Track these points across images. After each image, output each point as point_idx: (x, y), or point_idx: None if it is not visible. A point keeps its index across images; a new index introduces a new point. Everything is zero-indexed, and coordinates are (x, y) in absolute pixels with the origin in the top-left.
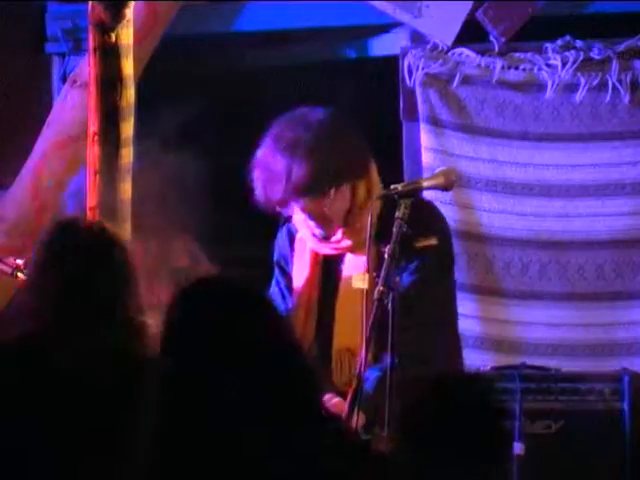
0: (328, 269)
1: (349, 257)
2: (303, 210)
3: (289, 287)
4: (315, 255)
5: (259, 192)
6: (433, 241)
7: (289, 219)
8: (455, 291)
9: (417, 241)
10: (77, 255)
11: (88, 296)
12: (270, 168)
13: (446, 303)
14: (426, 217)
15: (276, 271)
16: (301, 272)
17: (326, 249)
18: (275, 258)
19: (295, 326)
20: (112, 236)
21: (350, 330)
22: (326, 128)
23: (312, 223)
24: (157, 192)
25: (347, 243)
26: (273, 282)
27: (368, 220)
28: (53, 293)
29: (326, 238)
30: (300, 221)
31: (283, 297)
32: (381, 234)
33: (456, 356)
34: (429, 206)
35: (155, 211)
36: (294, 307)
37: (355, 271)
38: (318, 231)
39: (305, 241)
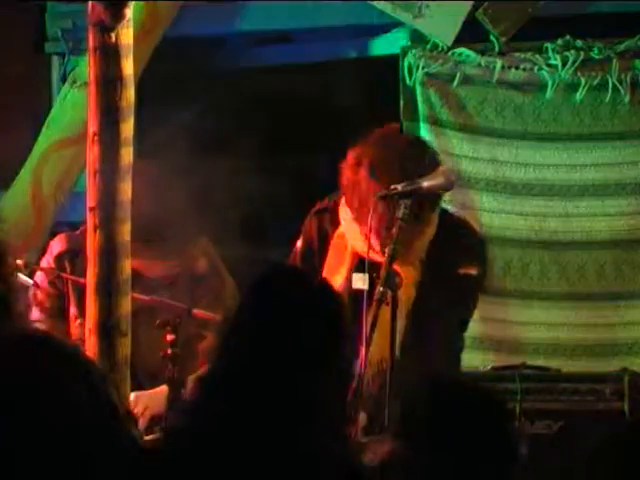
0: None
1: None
2: (374, 234)
3: None
4: (355, 255)
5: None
6: (473, 271)
7: (320, 212)
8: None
9: (458, 266)
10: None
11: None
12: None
13: (462, 329)
14: (472, 244)
15: (296, 257)
16: (337, 268)
17: (375, 256)
18: (299, 245)
19: None
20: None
21: (384, 338)
22: (420, 147)
23: (375, 238)
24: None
25: (402, 253)
26: None
27: (368, 220)
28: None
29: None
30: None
31: None
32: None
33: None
34: (477, 233)
35: (175, 214)
36: None
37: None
38: (378, 247)
39: (345, 239)
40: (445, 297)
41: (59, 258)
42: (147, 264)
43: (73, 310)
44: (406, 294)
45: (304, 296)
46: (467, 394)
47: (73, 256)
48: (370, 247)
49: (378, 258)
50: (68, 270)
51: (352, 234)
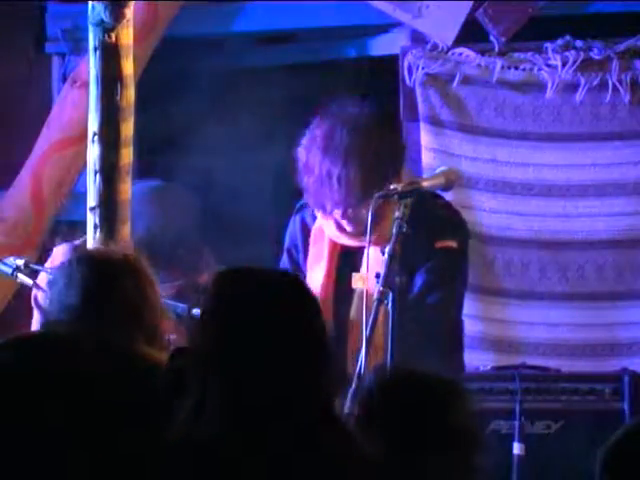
0: (346, 261)
1: (371, 249)
2: (344, 215)
3: None
4: (333, 246)
5: (309, 197)
6: (453, 244)
7: (302, 208)
8: (463, 296)
9: (437, 241)
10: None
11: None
12: (320, 175)
13: (451, 306)
14: (451, 220)
15: (284, 258)
16: (317, 262)
17: (348, 240)
18: (286, 246)
19: None
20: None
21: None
22: (374, 127)
23: (346, 222)
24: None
25: (374, 235)
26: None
27: (368, 218)
28: None
29: (356, 234)
30: (327, 217)
31: None
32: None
33: (455, 357)
34: (455, 211)
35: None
36: None
37: (376, 264)
38: (350, 228)
39: (323, 231)
40: (426, 276)
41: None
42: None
43: None
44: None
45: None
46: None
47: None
48: (343, 230)
49: (352, 242)
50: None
51: (325, 223)
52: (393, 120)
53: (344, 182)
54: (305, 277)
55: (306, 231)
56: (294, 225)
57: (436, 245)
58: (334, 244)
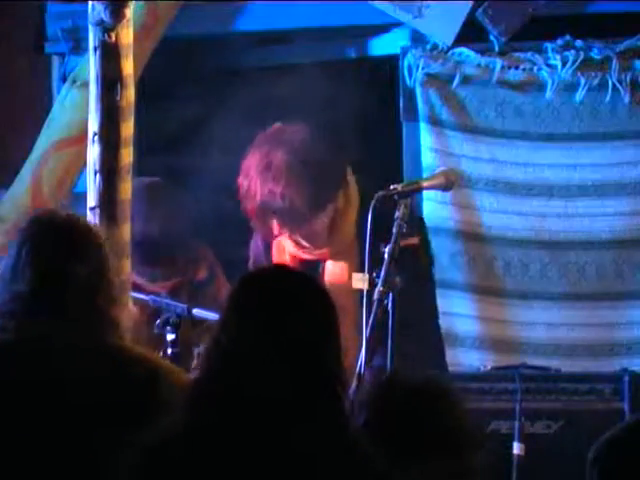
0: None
1: (328, 263)
2: (291, 236)
3: None
4: (293, 259)
5: (254, 224)
6: (414, 240)
7: None
8: (435, 289)
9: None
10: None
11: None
12: (262, 200)
13: (426, 300)
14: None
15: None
16: None
17: (306, 255)
18: (250, 262)
19: None
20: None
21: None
22: (311, 149)
23: (299, 240)
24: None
25: (327, 250)
26: None
27: (369, 219)
28: None
29: (313, 249)
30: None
31: None
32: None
33: (438, 352)
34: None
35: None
36: None
37: (333, 277)
38: (306, 244)
39: (284, 245)
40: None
41: None
42: (151, 282)
43: None
44: (351, 272)
45: (290, 291)
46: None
47: None
48: (300, 247)
49: (311, 257)
50: None
51: (283, 239)
52: (322, 133)
53: (287, 205)
54: None
55: (267, 246)
56: (255, 244)
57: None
58: (294, 257)
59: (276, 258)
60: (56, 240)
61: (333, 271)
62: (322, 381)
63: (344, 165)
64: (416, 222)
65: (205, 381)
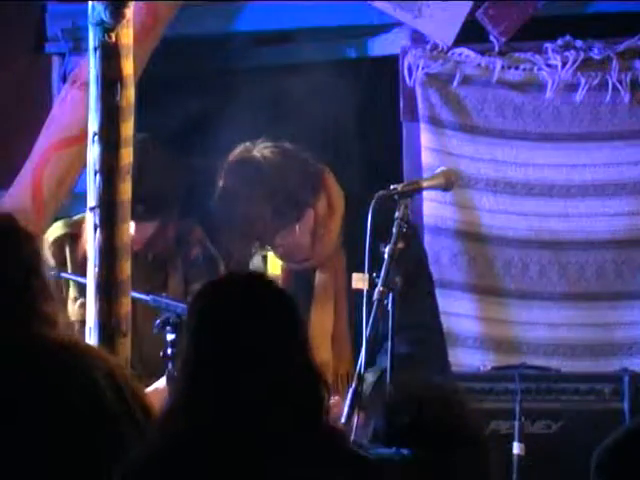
0: (301, 281)
1: (318, 270)
2: (273, 248)
3: None
4: (284, 270)
5: (229, 246)
6: (400, 245)
7: None
8: (433, 291)
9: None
10: None
11: None
12: (230, 222)
13: (421, 303)
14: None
15: None
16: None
17: (293, 266)
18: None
19: None
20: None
21: (325, 343)
22: (278, 166)
23: (279, 254)
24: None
25: (312, 261)
26: None
27: (369, 219)
28: None
29: (298, 261)
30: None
31: None
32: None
33: (440, 354)
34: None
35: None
36: None
37: (322, 289)
38: (287, 259)
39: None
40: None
41: (57, 242)
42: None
43: (73, 292)
44: (340, 280)
45: (248, 297)
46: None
47: (72, 240)
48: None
49: (298, 267)
50: (67, 253)
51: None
52: (292, 145)
53: (253, 225)
54: None
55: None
56: None
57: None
58: (284, 268)
59: (270, 269)
60: None
61: (323, 280)
62: (282, 386)
63: (318, 171)
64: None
65: (177, 393)
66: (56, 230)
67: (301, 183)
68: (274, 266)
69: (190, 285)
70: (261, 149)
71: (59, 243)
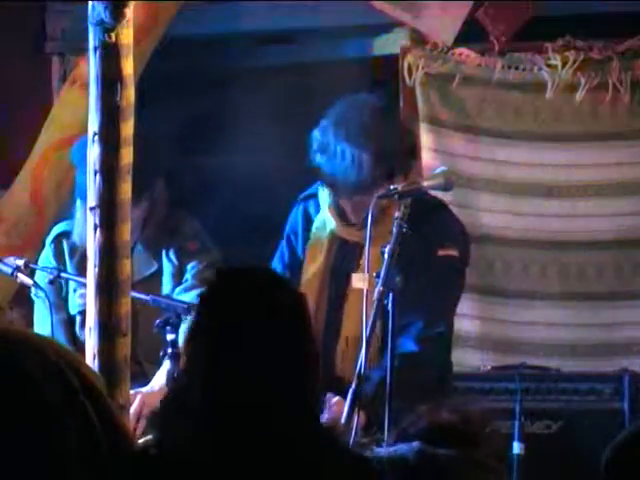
0: (344, 255)
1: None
2: (350, 199)
3: (291, 262)
4: (333, 239)
5: (324, 177)
6: (454, 252)
7: (306, 198)
8: (459, 301)
9: (439, 249)
10: None
11: None
12: (334, 154)
13: (451, 312)
14: (450, 226)
15: (283, 244)
16: (315, 253)
17: (348, 235)
18: (286, 232)
19: None
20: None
21: (359, 319)
22: (390, 116)
23: (350, 210)
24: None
25: (375, 229)
26: (277, 253)
27: (369, 219)
28: None
29: (358, 228)
30: (332, 204)
31: (283, 268)
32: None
33: (448, 357)
34: (453, 215)
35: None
36: (304, 289)
37: (369, 262)
38: (354, 219)
39: (325, 223)
40: (425, 281)
41: (57, 239)
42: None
43: (72, 284)
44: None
45: (259, 296)
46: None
47: (70, 236)
48: (345, 223)
49: (352, 237)
50: (66, 249)
51: (328, 216)
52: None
53: (356, 164)
54: (300, 264)
55: (307, 221)
56: (296, 213)
57: (438, 253)
58: (333, 237)
59: (313, 235)
60: None
61: (375, 257)
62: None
63: (415, 151)
64: (460, 234)
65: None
66: (55, 229)
67: (410, 145)
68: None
69: (185, 277)
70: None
71: (58, 240)
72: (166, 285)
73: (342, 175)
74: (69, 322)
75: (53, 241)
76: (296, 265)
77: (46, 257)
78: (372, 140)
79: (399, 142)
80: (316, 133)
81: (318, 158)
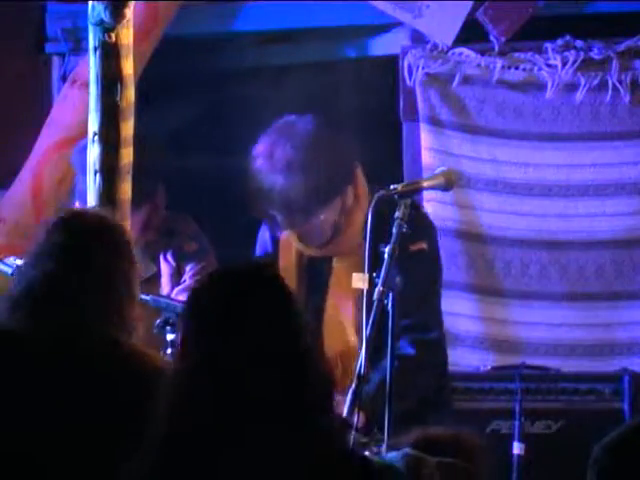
0: (315, 271)
1: (336, 258)
2: (293, 230)
3: None
4: (300, 255)
5: (254, 207)
6: (423, 245)
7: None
8: (441, 294)
9: (410, 245)
10: None
11: None
12: (264, 187)
13: (434, 305)
14: (419, 221)
15: None
16: (286, 272)
17: (312, 252)
18: (257, 254)
19: None
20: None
21: (340, 331)
22: (317, 142)
23: (301, 237)
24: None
25: (334, 247)
26: None
27: (368, 219)
28: None
29: (318, 247)
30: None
31: None
32: (375, 234)
33: (442, 354)
34: (421, 210)
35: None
36: None
37: (338, 279)
38: (308, 242)
39: (290, 240)
40: (404, 277)
41: None
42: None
43: None
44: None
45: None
46: None
47: None
48: (306, 245)
49: (317, 254)
50: None
51: (290, 234)
52: (331, 127)
53: (285, 198)
54: None
55: (275, 240)
56: (263, 234)
57: (410, 249)
58: (301, 254)
59: (282, 254)
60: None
61: (344, 267)
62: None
63: (353, 161)
64: (428, 228)
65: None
66: None
67: (341, 164)
68: (286, 250)
69: (183, 277)
70: (308, 121)
71: None
72: (165, 286)
73: (277, 210)
74: None
75: None
76: None
77: None
78: (299, 172)
79: (330, 167)
80: (252, 166)
81: (251, 188)
